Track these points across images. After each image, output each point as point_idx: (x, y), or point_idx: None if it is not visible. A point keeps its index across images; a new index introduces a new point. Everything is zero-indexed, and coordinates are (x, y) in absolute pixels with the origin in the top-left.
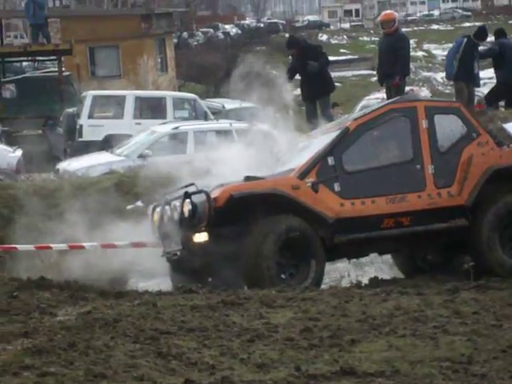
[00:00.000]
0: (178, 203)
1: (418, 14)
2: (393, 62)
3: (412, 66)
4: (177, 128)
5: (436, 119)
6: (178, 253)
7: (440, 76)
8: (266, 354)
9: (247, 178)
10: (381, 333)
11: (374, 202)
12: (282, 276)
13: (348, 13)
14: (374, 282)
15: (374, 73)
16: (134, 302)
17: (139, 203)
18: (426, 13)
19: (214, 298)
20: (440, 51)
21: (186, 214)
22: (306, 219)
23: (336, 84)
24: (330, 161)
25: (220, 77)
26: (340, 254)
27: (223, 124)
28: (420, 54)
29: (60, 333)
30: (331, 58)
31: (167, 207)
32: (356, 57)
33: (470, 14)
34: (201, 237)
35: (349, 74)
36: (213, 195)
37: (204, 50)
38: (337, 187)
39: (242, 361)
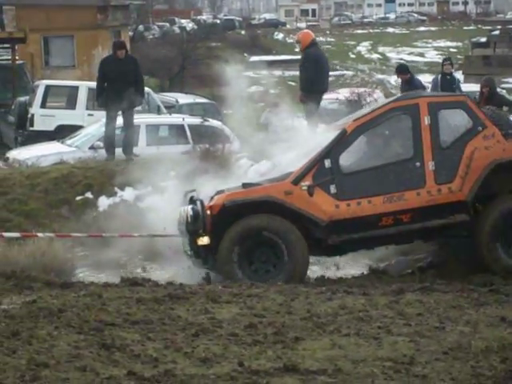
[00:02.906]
0: (185, 208)
1: (375, 17)
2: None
3: (366, 67)
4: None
5: (440, 114)
6: (189, 253)
7: (393, 79)
8: (209, 349)
9: (244, 185)
10: (325, 331)
11: (370, 202)
12: (257, 272)
13: (305, 12)
14: (321, 280)
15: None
16: (80, 293)
17: (88, 194)
18: (382, 16)
19: (160, 291)
20: (394, 54)
21: (189, 219)
22: (300, 222)
23: (289, 83)
24: (327, 163)
25: (175, 71)
26: (343, 249)
27: (176, 118)
28: (375, 56)
29: (4, 321)
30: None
31: (181, 209)
32: None
33: (425, 18)
34: (203, 240)
35: None
36: (211, 203)
37: (160, 44)
38: (333, 189)
39: (186, 354)
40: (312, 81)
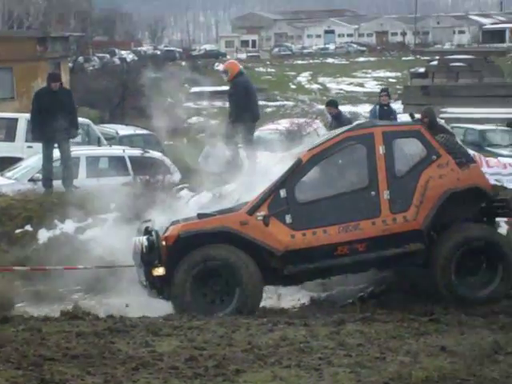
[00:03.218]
0: (140, 238)
1: (314, 48)
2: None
3: (307, 98)
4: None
5: (395, 144)
6: (144, 283)
7: None
8: (150, 383)
9: (199, 215)
10: (266, 363)
11: (325, 232)
12: (213, 302)
13: (245, 43)
14: (262, 311)
15: (269, 104)
16: (19, 328)
17: (28, 227)
18: (322, 46)
19: (100, 324)
20: (334, 84)
21: (144, 250)
22: (257, 252)
23: None
24: (283, 193)
25: (115, 102)
26: (299, 279)
27: (116, 150)
28: (315, 86)
29: None
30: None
31: (136, 239)
32: None
33: (364, 49)
34: (158, 271)
35: None
36: (166, 234)
37: (100, 75)
38: (288, 219)
39: None
40: (243, 109)
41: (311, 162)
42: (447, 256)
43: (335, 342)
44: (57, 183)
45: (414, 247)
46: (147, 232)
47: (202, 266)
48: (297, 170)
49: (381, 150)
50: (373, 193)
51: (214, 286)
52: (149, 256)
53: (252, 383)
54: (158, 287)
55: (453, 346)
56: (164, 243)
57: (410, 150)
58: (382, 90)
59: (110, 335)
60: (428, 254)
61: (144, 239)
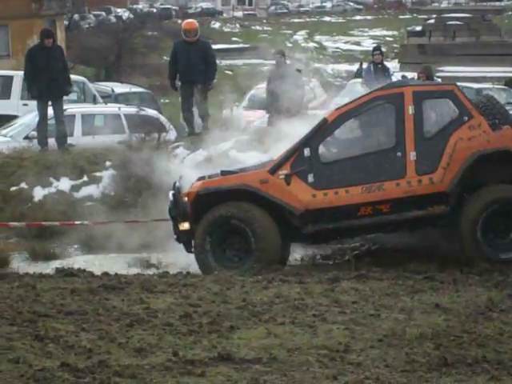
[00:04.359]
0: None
1: (311, 6)
2: (203, 68)
3: (303, 56)
4: (64, 110)
5: (425, 104)
6: (175, 237)
7: (330, 68)
8: (144, 339)
9: (222, 173)
10: (260, 320)
11: (348, 192)
12: (231, 259)
13: (241, 1)
14: (257, 269)
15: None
16: (13, 284)
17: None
18: (319, 5)
19: (95, 281)
20: (331, 43)
21: (170, 205)
22: (276, 211)
23: (227, 72)
24: (306, 152)
25: (111, 60)
26: (320, 239)
27: (112, 108)
28: (311, 45)
29: None
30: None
31: (169, 194)
32: (248, 45)
33: (361, 7)
34: (184, 225)
35: (240, 62)
36: (188, 190)
37: (95, 33)
38: (310, 178)
39: (120, 345)
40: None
41: (337, 122)
42: (474, 217)
43: (330, 299)
44: (52, 141)
45: (438, 209)
46: (174, 187)
47: (220, 223)
48: (322, 129)
49: (410, 109)
50: (399, 153)
51: (233, 243)
52: (173, 211)
53: (246, 340)
54: (184, 241)
55: (447, 304)
56: (186, 199)
57: (442, 110)
58: (375, 49)
59: (104, 292)
60: (456, 216)
61: (170, 194)
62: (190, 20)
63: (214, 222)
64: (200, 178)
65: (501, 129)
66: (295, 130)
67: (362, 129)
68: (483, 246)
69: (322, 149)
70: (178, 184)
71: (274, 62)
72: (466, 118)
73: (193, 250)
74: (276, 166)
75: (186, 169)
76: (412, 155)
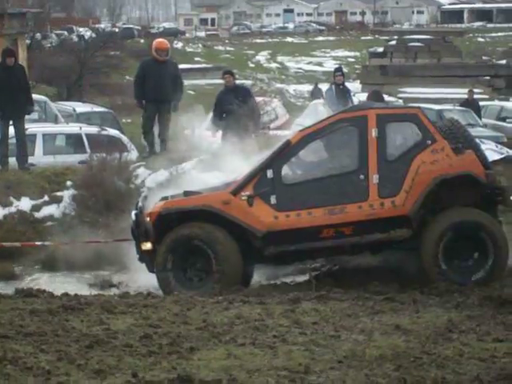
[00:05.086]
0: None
1: (273, 26)
2: (171, 87)
3: (265, 77)
4: (25, 130)
5: (389, 127)
6: (137, 257)
7: (292, 88)
8: (103, 361)
9: (185, 193)
10: (220, 341)
11: (310, 214)
12: (191, 280)
13: (204, 21)
14: (218, 290)
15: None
16: None
17: None
18: (281, 25)
19: (55, 302)
20: (293, 64)
21: (133, 225)
22: (239, 232)
23: (189, 92)
24: (269, 173)
25: (73, 80)
26: (281, 261)
27: (73, 127)
28: (274, 65)
29: None
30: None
31: (132, 214)
32: (210, 66)
33: (323, 28)
34: (146, 245)
35: (202, 82)
36: (150, 210)
37: (57, 52)
38: (273, 200)
39: (79, 367)
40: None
41: (301, 143)
42: (435, 241)
43: (290, 320)
44: (13, 160)
45: (399, 233)
46: (137, 208)
47: (181, 243)
48: (285, 151)
49: (373, 132)
50: (362, 176)
51: (194, 264)
52: (136, 231)
53: (206, 361)
54: (146, 261)
55: (407, 325)
56: (148, 219)
57: (405, 133)
58: (337, 70)
59: (64, 313)
60: (419, 237)
61: (132, 214)
62: (161, 39)
63: (176, 241)
64: (163, 198)
65: (463, 153)
66: (250, 151)
67: (325, 151)
68: (445, 268)
69: (285, 170)
70: (140, 204)
71: (222, 82)
72: (429, 142)
73: (155, 269)
74: (239, 187)
75: (147, 189)
76: (375, 178)
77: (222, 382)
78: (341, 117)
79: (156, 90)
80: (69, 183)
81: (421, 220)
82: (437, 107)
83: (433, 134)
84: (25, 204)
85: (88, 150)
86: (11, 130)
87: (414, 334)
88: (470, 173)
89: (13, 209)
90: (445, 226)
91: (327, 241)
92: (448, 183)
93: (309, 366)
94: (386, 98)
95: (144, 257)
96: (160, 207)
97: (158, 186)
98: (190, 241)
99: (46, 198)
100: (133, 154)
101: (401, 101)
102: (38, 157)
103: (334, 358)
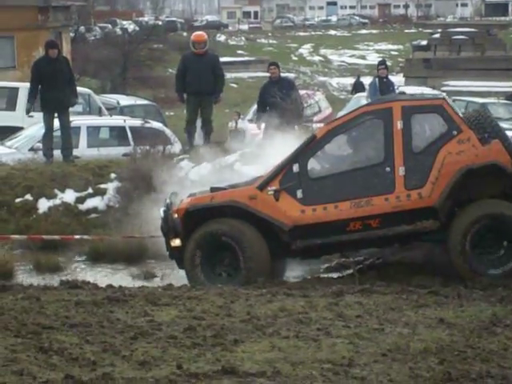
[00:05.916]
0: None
1: (316, 19)
2: (211, 80)
3: (308, 70)
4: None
5: (414, 119)
6: (168, 253)
7: (335, 81)
8: (148, 352)
9: (212, 189)
10: (264, 333)
11: (336, 207)
12: (220, 275)
13: (247, 14)
14: (261, 283)
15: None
16: (18, 296)
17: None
18: (324, 18)
19: (100, 294)
20: (336, 57)
21: (162, 222)
22: (266, 227)
23: (232, 85)
24: (295, 168)
25: (116, 73)
26: (309, 254)
27: (117, 120)
28: (316, 58)
29: None
30: (229, 59)
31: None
32: (253, 58)
33: (366, 21)
34: (175, 242)
35: (245, 75)
36: (178, 206)
37: (101, 45)
38: (299, 194)
39: (124, 358)
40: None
41: (326, 137)
42: (463, 232)
43: (334, 313)
44: (57, 153)
45: (426, 224)
46: (166, 204)
47: (209, 239)
48: (311, 145)
49: (399, 124)
50: (388, 168)
51: (222, 259)
52: (164, 227)
53: (250, 353)
54: (176, 257)
55: (451, 318)
56: (176, 216)
57: (430, 125)
58: (380, 63)
59: (108, 304)
60: (445, 231)
61: (161, 210)
62: (199, 32)
63: (203, 238)
64: (191, 195)
65: (490, 143)
66: (290, 144)
67: (350, 144)
68: (472, 260)
69: (310, 164)
70: (168, 201)
71: (268, 74)
72: (454, 133)
73: (182, 266)
74: (265, 181)
75: (191, 181)
76: (401, 170)
77: (266, 374)
78: (366, 110)
79: (196, 83)
80: (113, 175)
81: (448, 212)
82: (481, 100)
83: (458, 124)
84: (69, 196)
85: (131, 142)
86: (56, 123)
87: (458, 327)
88: (496, 162)
89: (57, 201)
90: (473, 219)
91: (354, 234)
92: (474, 173)
93: (352, 358)
94: (430, 91)
95: (173, 253)
96: (187, 203)
97: (200, 178)
98: (218, 237)
99: (90, 190)
100: (176, 147)
101: (444, 94)
102: (82, 149)
103: (378, 351)
